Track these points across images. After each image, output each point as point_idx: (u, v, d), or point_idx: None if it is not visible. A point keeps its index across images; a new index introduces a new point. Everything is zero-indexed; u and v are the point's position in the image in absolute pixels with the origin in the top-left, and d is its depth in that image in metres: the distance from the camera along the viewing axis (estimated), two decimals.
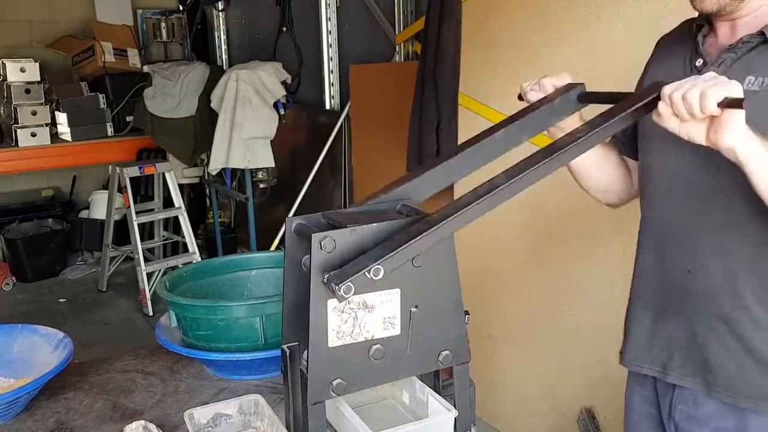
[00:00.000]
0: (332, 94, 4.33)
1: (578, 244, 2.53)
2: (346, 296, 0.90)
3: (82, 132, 5.02)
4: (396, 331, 1.01)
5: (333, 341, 0.97)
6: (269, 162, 4.35)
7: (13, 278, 5.10)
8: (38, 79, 4.81)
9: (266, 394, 1.39)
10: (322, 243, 0.93)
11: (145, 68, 5.14)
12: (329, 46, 4.24)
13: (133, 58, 5.49)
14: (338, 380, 0.97)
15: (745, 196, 1.17)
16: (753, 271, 1.22)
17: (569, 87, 1.27)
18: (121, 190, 4.48)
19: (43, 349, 1.55)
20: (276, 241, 4.22)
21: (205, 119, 4.75)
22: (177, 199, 4.65)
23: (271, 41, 4.88)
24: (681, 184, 1.29)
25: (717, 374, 1.28)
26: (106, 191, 4.91)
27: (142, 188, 5.19)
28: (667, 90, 1.06)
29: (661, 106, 1.07)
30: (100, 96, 5.15)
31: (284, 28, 4.72)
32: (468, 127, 2.86)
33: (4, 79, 4.73)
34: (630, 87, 1.46)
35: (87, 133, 5.05)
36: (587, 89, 1.27)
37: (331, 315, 0.96)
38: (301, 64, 4.63)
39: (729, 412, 1.28)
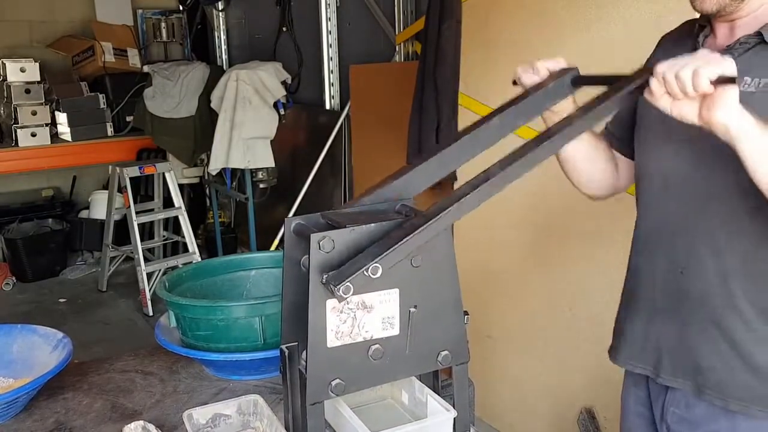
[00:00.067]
0: (332, 94, 4.33)
1: (578, 245, 2.53)
2: (345, 296, 0.89)
3: (82, 132, 5.02)
4: (395, 331, 1.01)
5: (332, 341, 0.97)
6: (269, 162, 4.35)
7: (13, 278, 5.10)
8: (38, 79, 4.81)
9: (265, 394, 1.39)
10: (320, 243, 0.93)
11: (145, 68, 5.14)
12: (329, 46, 4.24)
13: (133, 58, 5.49)
14: (337, 380, 0.97)
15: (740, 197, 1.17)
16: (746, 272, 1.22)
17: (563, 71, 1.26)
18: (121, 190, 4.48)
19: (42, 349, 1.55)
20: (276, 241, 4.22)
21: (205, 119, 4.75)
22: (177, 199, 4.65)
23: (271, 41, 4.88)
24: (676, 183, 1.29)
25: (707, 376, 1.28)
26: (106, 191, 4.91)
27: (142, 188, 5.19)
28: (659, 68, 1.05)
29: (654, 84, 1.06)
30: (100, 96, 5.14)
31: (284, 28, 4.72)
32: None
33: (4, 79, 4.73)
34: None
35: (87, 133, 5.05)
36: (581, 72, 1.26)
37: (329, 315, 0.96)
38: (301, 64, 4.63)
39: (720, 414, 1.28)
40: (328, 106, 4.35)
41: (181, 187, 4.88)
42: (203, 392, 1.53)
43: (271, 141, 4.33)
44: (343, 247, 0.95)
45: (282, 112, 4.36)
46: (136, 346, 2.00)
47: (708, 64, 1.01)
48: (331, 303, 0.95)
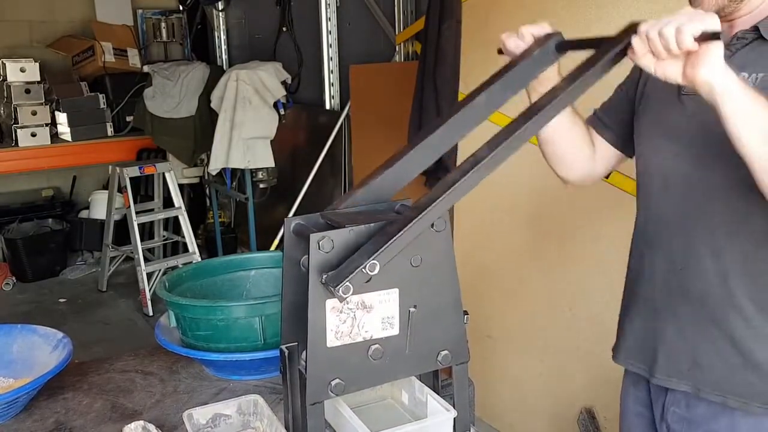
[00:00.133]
0: (332, 94, 4.33)
1: (578, 245, 2.53)
2: (344, 296, 0.89)
3: (82, 132, 5.02)
4: (395, 331, 1.01)
5: (332, 341, 0.97)
6: (269, 162, 4.35)
7: (13, 278, 5.10)
8: (38, 79, 4.81)
9: (265, 394, 1.39)
10: (320, 243, 0.93)
11: (145, 68, 5.14)
12: (329, 46, 4.24)
13: (133, 58, 5.49)
14: (337, 380, 0.97)
15: (740, 196, 1.17)
16: (745, 270, 1.22)
17: (548, 36, 1.24)
18: (121, 190, 4.48)
19: (42, 349, 1.55)
20: (276, 241, 4.22)
21: (205, 119, 4.75)
22: (177, 199, 4.65)
23: (271, 41, 4.88)
24: (676, 183, 1.29)
25: (706, 374, 1.28)
26: (106, 191, 4.91)
27: (142, 188, 5.19)
28: (643, 27, 1.03)
29: (636, 42, 1.04)
30: (100, 96, 5.15)
31: (284, 28, 4.72)
32: None
33: (4, 79, 4.73)
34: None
35: (87, 133, 5.05)
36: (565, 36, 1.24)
37: (329, 315, 0.96)
38: (301, 64, 4.63)
39: (719, 412, 1.28)
40: (328, 106, 4.35)
41: (181, 187, 4.88)
42: (203, 392, 1.53)
43: (271, 141, 4.33)
44: (342, 247, 0.95)
45: (282, 112, 4.36)
46: (136, 346, 2.00)
47: (691, 20, 0.99)
48: (330, 303, 0.95)
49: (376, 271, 0.90)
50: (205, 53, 5.86)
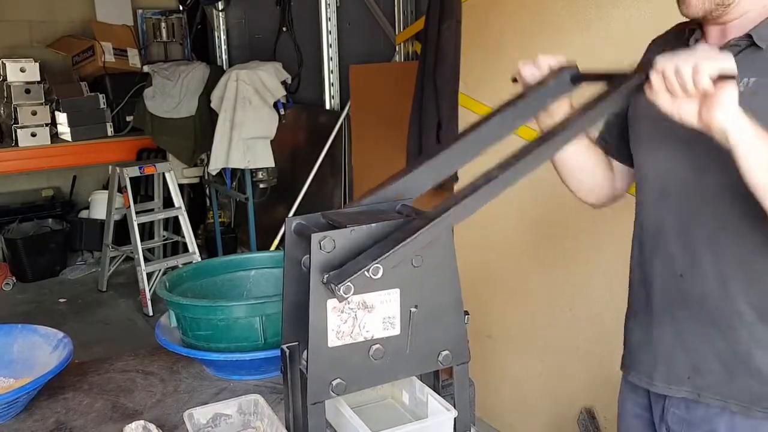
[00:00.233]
0: (332, 94, 4.33)
1: (578, 245, 2.53)
2: (345, 296, 0.90)
3: (82, 132, 5.02)
4: (396, 331, 1.01)
5: (333, 341, 0.97)
6: (269, 162, 4.35)
7: (13, 278, 5.10)
8: (38, 79, 4.81)
9: (266, 394, 1.39)
10: (321, 243, 0.93)
11: (145, 68, 5.14)
12: (329, 46, 4.24)
13: (133, 58, 5.49)
14: (338, 380, 0.97)
15: (737, 199, 1.17)
16: (745, 274, 1.22)
17: (563, 68, 1.25)
18: (121, 190, 4.48)
19: (42, 349, 1.55)
20: (276, 241, 4.22)
21: (205, 119, 4.75)
22: (177, 199, 4.65)
23: (271, 41, 4.88)
24: (674, 187, 1.29)
25: (706, 379, 1.28)
26: (106, 191, 4.91)
27: (142, 188, 5.19)
28: (659, 63, 1.04)
29: (654, 79, 1.05)
30: (100, 96, 5.15)
31: (284, 28, 4.72)
32: None
33: (4, 79, 4.73)
34: None
35: (87, 133, 5.05)
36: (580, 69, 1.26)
37: (330, 315, 0.96)
38: (301, 64, 4.63)
39: (720, 415, 1.28)
40: (328, 106, 4.35)
41: (181, 187, 4.88)
42: (204, 392, 1.53)
43: (271, 141, 4.33)
44: (343, 247, 0.95)
45: (282, 112, 4.37)
46: (136, 346, 2.00)
47: (707, 59, 1.00)
48: (331, 303, 0.95)
49: (378, 275, 0.90)
50: (205, 53, 5.86)
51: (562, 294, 2.62)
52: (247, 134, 4.23)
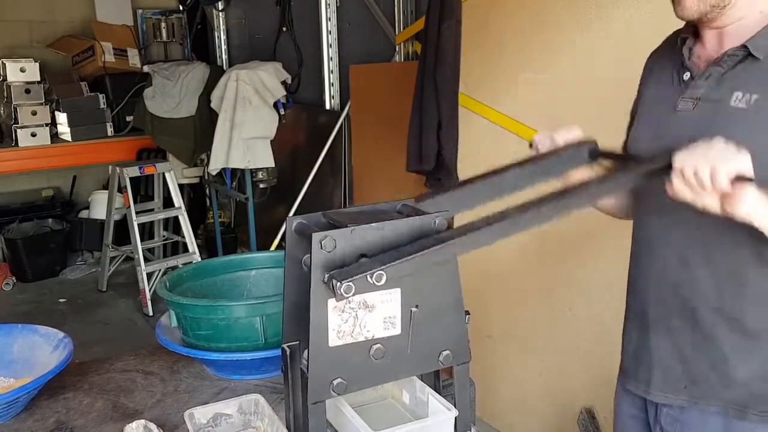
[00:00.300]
0: (332, 94, 4.33)
1: (578, 245, 2.53)
2: (346, 296, 0.90)
3: (82, 132, 5.02)
4: (396, 330, 1.01)
5: (333, 341, 0.97)
6: (269, 162, 4.35)
7: (13, 278, 5.10)
8: (38, 79, 4.81)
9: (266, 393, 1.39)
10: (322, 242, 0.93)
11: (145, 68, 5.14)
12: (329, 46, 4.24)
13: (133, 58, 5.49)
14: (338, 380, 0.98)
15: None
16: (739, 284, 1.22)
17: (581, 143, 1.29)
18: (121, 190, 4.48)
19: (43, 349, 1.55)
20: (276, 241, 4.22)
21: (205, 119, 4.74)
22: (177, 199, 4.65)
23: (271, 41, 4.87)
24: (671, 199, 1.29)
25: (702, 388, 1.28)
26: (106, 191, 4.91)
27: (142, 188, 5.19)
28: (678, 163, 1.07)
29: (675, 181, 1.08)
30: (100, 96, 5.14)
31: (284, 28, 4.72)
32: (468, 127, 2.86)
33: (4, 79, 4.73)
34: (628, 88, 1.46)
35: (87, 133, 5.05)
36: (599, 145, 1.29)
37: (331, 314, 0.96)
38: (301, 64, 4.63)
39: (715, 418, 1.28)
40: (328, 106, 4.35)
41: (181, 187, 4.88)
42: (204, 392, 1.53)
43: (271, 141, 4.33)
44: (344, 246, 0.95)
45: (282, 112, 4.36)
46: (136, 346, 2.00)
47: (725, 161, 1.03)
48: (332, 302, 0.95)
49: (382, 282, 0.90)
50: (205, 53, 5.86)
51: (562, 294, 2.62)
52: (247, 134, 4.23)
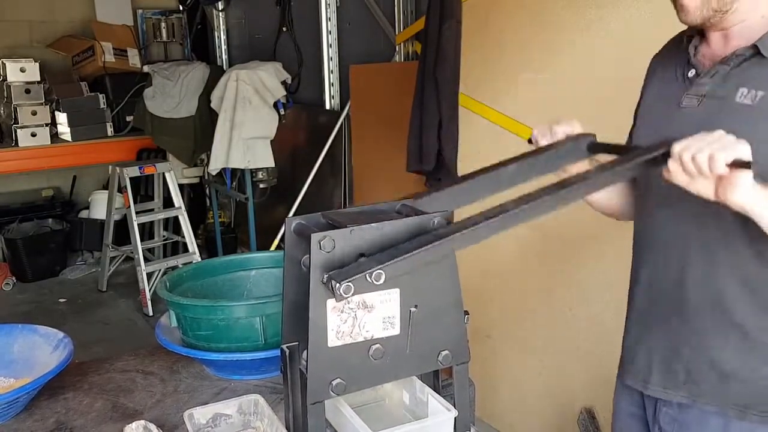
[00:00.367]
0: (332, 94, 4.33)
1: (578, 245, 2.53)
2: (345, 296, 0.90)
3: (82, 132, 5.02)
4: (395, 331, 1.01)
5: (332, 341, 0.97)
6: (269, 162, 4.35)
7: (13, 278, 5.10)
8: (38, 79, 4.81)
9: (266, 394, 1.39)
10: (321, 243, 0.93)
11: (145, 68, 5.14)
12: (329, 46, 4.24)
13: (133, 58, 5.49)
14: (338, 380, 0.97)
15: (735, 211, 1.18)
16: (741, 283, 1.22)
17: (579, 136, 1.29)
18: (121, 190, 4.48)
19: (43, 349, 1.55)
20: (276, 241, 4.22)
21: (205, 119, 4.74)
22: (177, 199, 4.65)
23: (271, 41, 4.87)
24: (672, 194, 1.29)
25: (702, 386, 1.28)
26: (106, 191, 4.91)
27: (142, 188, 5.19)
28: (676, 149, 1.07)
29: (672, 165, 1.08)
30: (100, 96, 5.14)
31: (284, 28, 4.72)
32: (468, 127, 2.86)
33: (4, 79, 4.72)
34: (628, 88, 1.46)
35: (87, 133, 5.05)
36: (597, 138, 1.29)
37: (330, 315, 0.96)
38: (301, 64, 4.63)
39: (714, 418, 1.28)
40: (328, 106, 4.35)
41: (181, 187, 4.88)
42: (204, 392, 1.53)
43: (271, 141, 4.33)
44: (344, 246, 0.95)
45: (282, 112, 4.36)
46: (136, 346, 2.00)
47: (723, 149, 1.03)
48: (331, 303, 0.95)
49: (381, 281, 0.90)
50: (205, 53, 5.86)
51: (562, 294, 2.62)
52: (247, 134, 4.23)
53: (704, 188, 1.08)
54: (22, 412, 1.44)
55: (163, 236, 5.14)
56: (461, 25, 2.81)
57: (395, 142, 3.20)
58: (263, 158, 4.32)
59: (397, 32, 3.74)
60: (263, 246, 4.41)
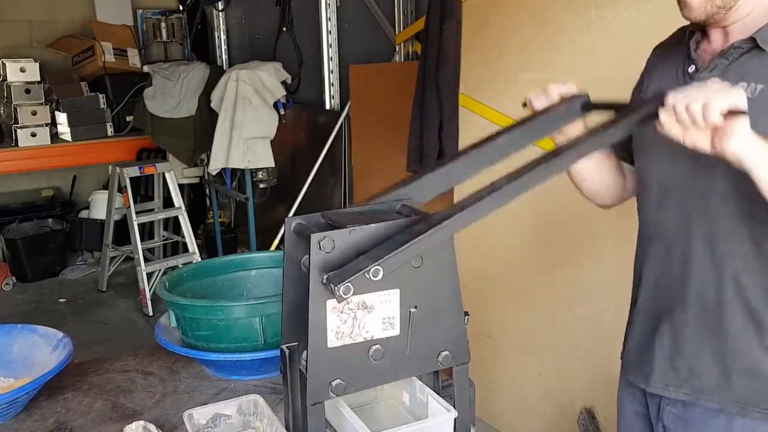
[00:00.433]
0: (332, 94, 4.33)
1: (578, 245, 2.53)
2: (345, 297, 0.90)
3: (82, 132, 5.02)
4: (395, 331, 1.01)
5: (332, 341, 0.97)
6: (269, 162, 4.35)
7: (13, 278, 5.10)
8: (38, 79, 4.81)
9: (265, 394, 1.39)
10: (321, 243, 0.93)
11: (145, 68, 5.14)
12: (329, 46, 4.24)
13: (133, 58, 5.49)
14: (337, 380, 0.97)
15: (739, 203, 1.17)
16: (744, 277, 1.22)
17: (574, 97, 1.28)
18: (121, 190, 4.48)
19: (42, 349, 1.55)
20: (276, 241, 4.22)
21: (205, 119, 4.74)
22: (177, 199, 4.65)
23: (271, 41, 4.88)
24: (675, 191, 1.29)
25: (704, 382, 1.28)
26: (106, 191, 4.91)
27: (142, 188, 5.19)
28: (670, 99, 1.05)
29: (664, 115, 1.06)
30: (100, 96, 5.15)
31: (284, 28, 4.72)
32: (468, 127, 2.85)
33: (4, 79, 4.73)
34: (629, 88, 1.46)
35: (87, 133, 5.05)
36: (591, 98, 1.28)
37: (330, 315, 0.96)
38: (301, 64, 4.63)
39: (717, 415, 1.28)
40: (328, 106, 4.35)
41: (181, 187, 4.88)
42: (203, 392, 1.53)
43: (271, 141, 4.33)
44: (343, 247, 0.95)
45: (282, 112, 4.36)
46: (136, 346, 2.00)
47: (717, 96, 1.01)
48: (331, 303, 0.95)
49: (379, 277, 0.90)
50: (205, 53, 5.86)
51: (562, 294, 2.62)
52: (247, 134, 4.23)
53: (700, 140, 1.05)
54: (21, 413, 1.44)
55: (163, 236, 5.14)
56: (461, 25, 2.81)
57: (395, 142, 3.20)
58: (263, 158, 4.32)
59: (397, 32, 3.74)
60: (263, 246, 4.41)
